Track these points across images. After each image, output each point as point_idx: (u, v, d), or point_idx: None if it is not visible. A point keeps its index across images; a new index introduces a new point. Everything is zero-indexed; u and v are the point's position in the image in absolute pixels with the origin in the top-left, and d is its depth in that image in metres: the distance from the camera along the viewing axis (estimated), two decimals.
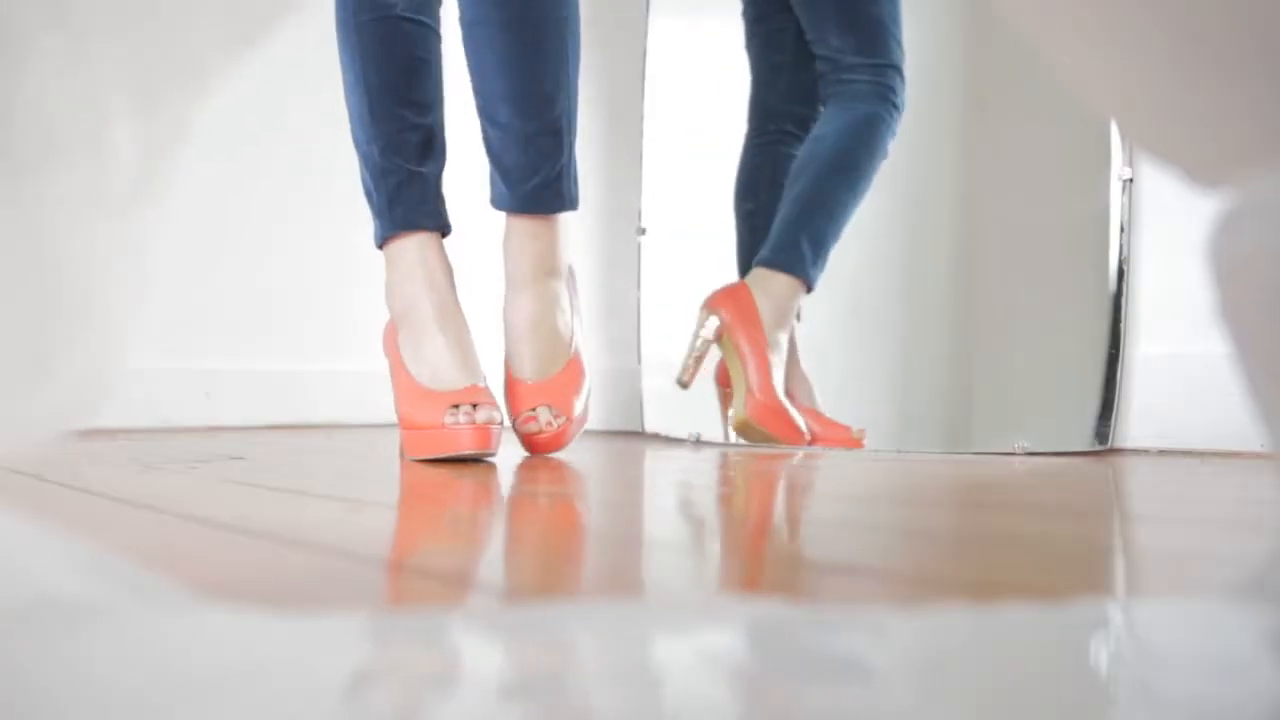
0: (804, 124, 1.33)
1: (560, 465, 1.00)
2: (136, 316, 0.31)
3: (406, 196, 1.00)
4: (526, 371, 1.02)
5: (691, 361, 1.27)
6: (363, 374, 1.29)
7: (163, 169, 0.30)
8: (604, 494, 0.78)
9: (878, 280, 1.34)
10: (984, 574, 0.41)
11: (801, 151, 1.28)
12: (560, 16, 1.04)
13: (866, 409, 1.31)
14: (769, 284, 1.22)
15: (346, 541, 0.51)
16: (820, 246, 1.23)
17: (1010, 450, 1.11)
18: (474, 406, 0.92)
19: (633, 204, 1.55)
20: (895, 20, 1.26)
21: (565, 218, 1.08)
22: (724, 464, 1.01)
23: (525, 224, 1.05)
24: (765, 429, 1.20)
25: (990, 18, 1.27)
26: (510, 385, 1.03)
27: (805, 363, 1.34)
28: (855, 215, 1.36)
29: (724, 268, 1.51)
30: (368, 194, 1.02)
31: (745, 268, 1.30)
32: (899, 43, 1.27)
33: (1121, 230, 1.12)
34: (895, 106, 1.26)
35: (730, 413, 1.25)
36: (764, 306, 1.22)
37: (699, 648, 0.27)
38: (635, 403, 1.50)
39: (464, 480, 0.79)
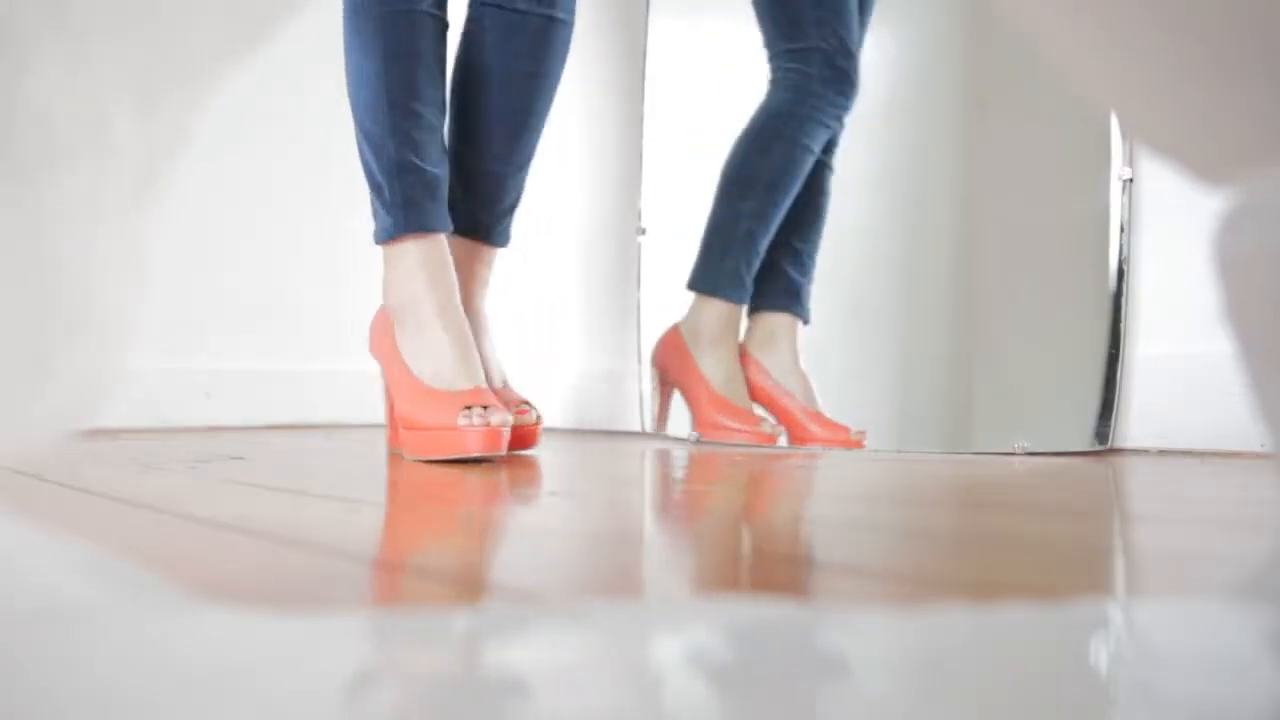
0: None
1: (560, 466, 1.00)
2: (136, 316, 0.31)
3: (422, 197, 0.99)
4: (496, 381, 1.06)
5: (658, 412, 1.37)
6: (363, 374, 1.29)
7: (163, 169, 0.31)
8: (604, 494, 0.78)
9: (878, 280, 1.34)
10: (984, 574, 0.41)
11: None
12: (561, 72, 1.10)
13: (866, 409, 1.31)
14: (700, 311, 1.32)
15: (346, 541, 0.51)
16: (747, 262, 1.30)
17: (1010, 450, 1.11)
18: (484, 408, 0.92)
19: (633, 204, 1.55)
20: (817, 1, 1.27)
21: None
22: (724, 465, 1.01)
23: (486, 252, 1.09)
24: (724, 439, 1.26)
25: (990, 18, 1.27)
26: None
27: (805, 362, 1.34)
28: (854, 215, 1.36)
29: None
30: (376, 187, 1.01)
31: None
32: (823, 22, 1.26)
33: (1121, 230, 1.12)
34: (815, 90, 1.27)
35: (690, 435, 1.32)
36: (691, 335, 1.31)
37: (698, 647, 0.27)
38: (635, 403, 1.50)
39: (463, 480, 0.79)
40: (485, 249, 1.09)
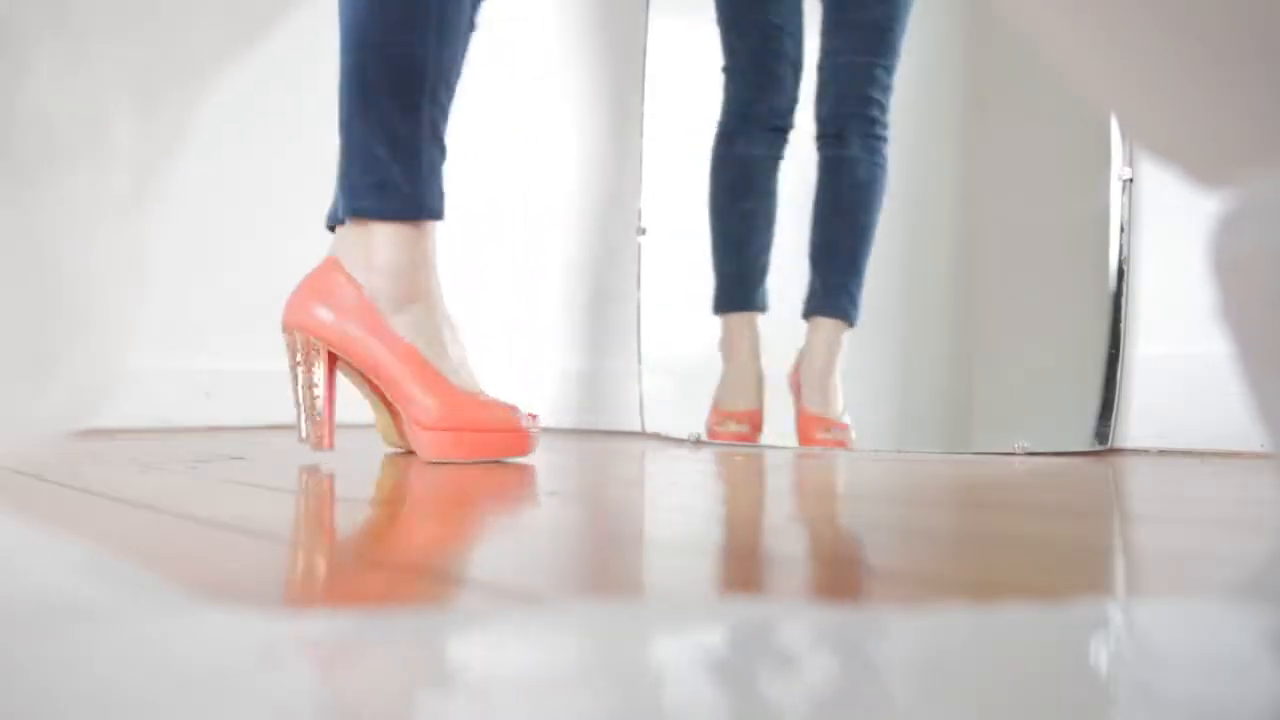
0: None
1: (560, 466, 1.00)
2: (136, 316, 0.31)
3: (438, 179, 0.96)
4: (471, 386, 1.02)
5: None
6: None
7: (163, 169, 0.31)
8: (604, 494, 0.78)
9: (878, 280, 1.34)
10: (984, 574, 0.41)
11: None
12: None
13: (866, 409, 1.31)
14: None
15: (346, 542, 0.51)
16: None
17: (1010, 450, 1.11)
18: (527, 413, 0.96)
19: (633, 204, 1.55)
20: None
21: None
22: (724, 465, 1.01)
23: (432, 228, 1.00)
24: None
25: (990, 18, 1.27)
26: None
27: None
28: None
29: None
30: (409, 159, 0.94)
31: None
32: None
33: (1121, 230, 1.12)
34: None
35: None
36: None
37: (697, 647, 0.27)
38: (635, 403, 1.51)
39: (463, 480, 0.79)
40: (432, 225, 1.00)
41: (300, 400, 0.97)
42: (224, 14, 0.30)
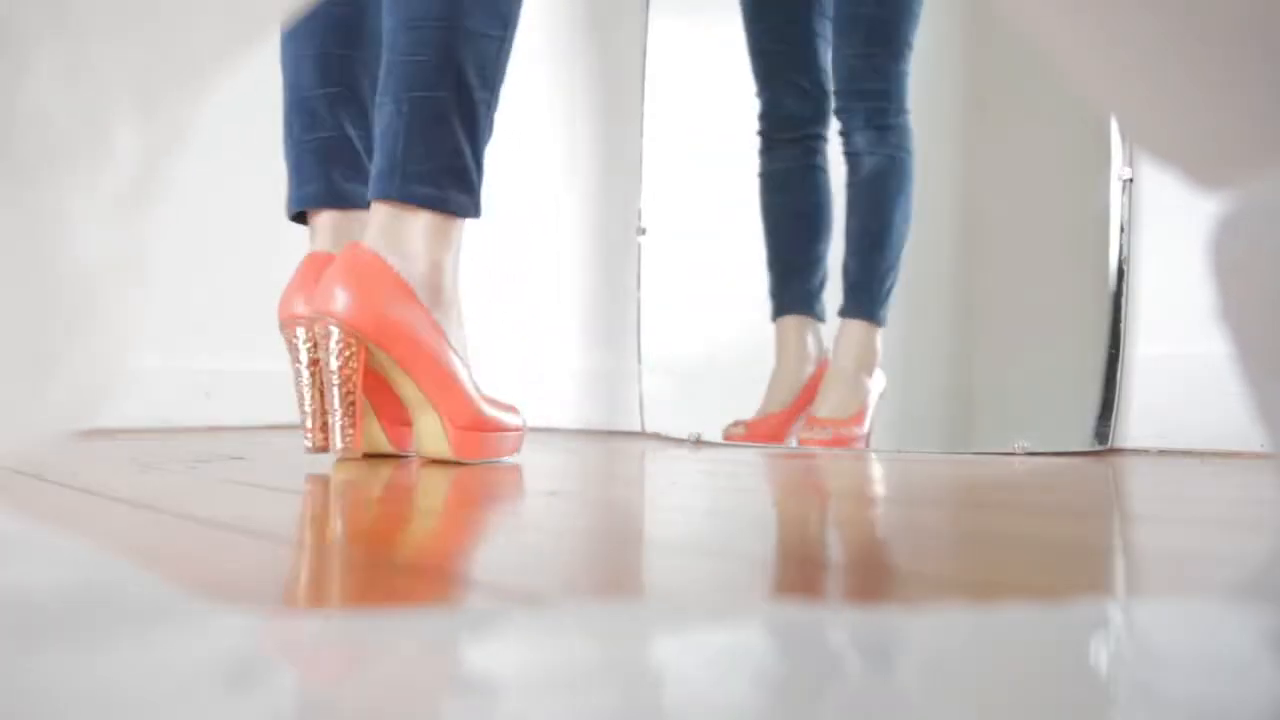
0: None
1: (560, 466, 1.00)
2: (137, 316, 0.31)
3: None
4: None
5: None
6: None
7: (163, 169, 0.31)
8: (604, 494, 0.78)
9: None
10: (984, 574, 0.41)
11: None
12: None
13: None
14: None
15: (347, 542, 0.51)
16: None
17: (1010, 450, 1.11)
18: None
19: (633, 204, 1.55)
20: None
21: None
22: (723, 465, 1.01)
23: None
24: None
25: (990, 18, 1.27)
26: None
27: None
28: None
29: (724, 267, 1.51)
30: (479, 154, 0.91)
31: None
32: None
33: (1121, 230, 1.12)
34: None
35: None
36: None
37: (697, 648, 0.27)
38: (635, 403, 1.51)
39: (462, 480, 0.79)
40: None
41: (309, 404, 0.92)
42: (224, 14, 0.30)
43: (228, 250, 1.65)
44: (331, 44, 0.97)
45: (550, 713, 0.22)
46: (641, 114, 1.54)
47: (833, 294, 1.35)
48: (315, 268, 0.94)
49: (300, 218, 1.01)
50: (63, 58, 0.27)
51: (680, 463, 1.03)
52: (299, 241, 1.01)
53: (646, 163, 1.54)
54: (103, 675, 0.23)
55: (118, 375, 0.32)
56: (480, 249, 1.18)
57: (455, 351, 0.91)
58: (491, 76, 0.91)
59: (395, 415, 0.98)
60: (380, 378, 0.95)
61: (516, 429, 0.95)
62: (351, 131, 0.98)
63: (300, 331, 0.93)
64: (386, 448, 0.98)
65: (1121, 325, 1.11)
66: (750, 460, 1.06)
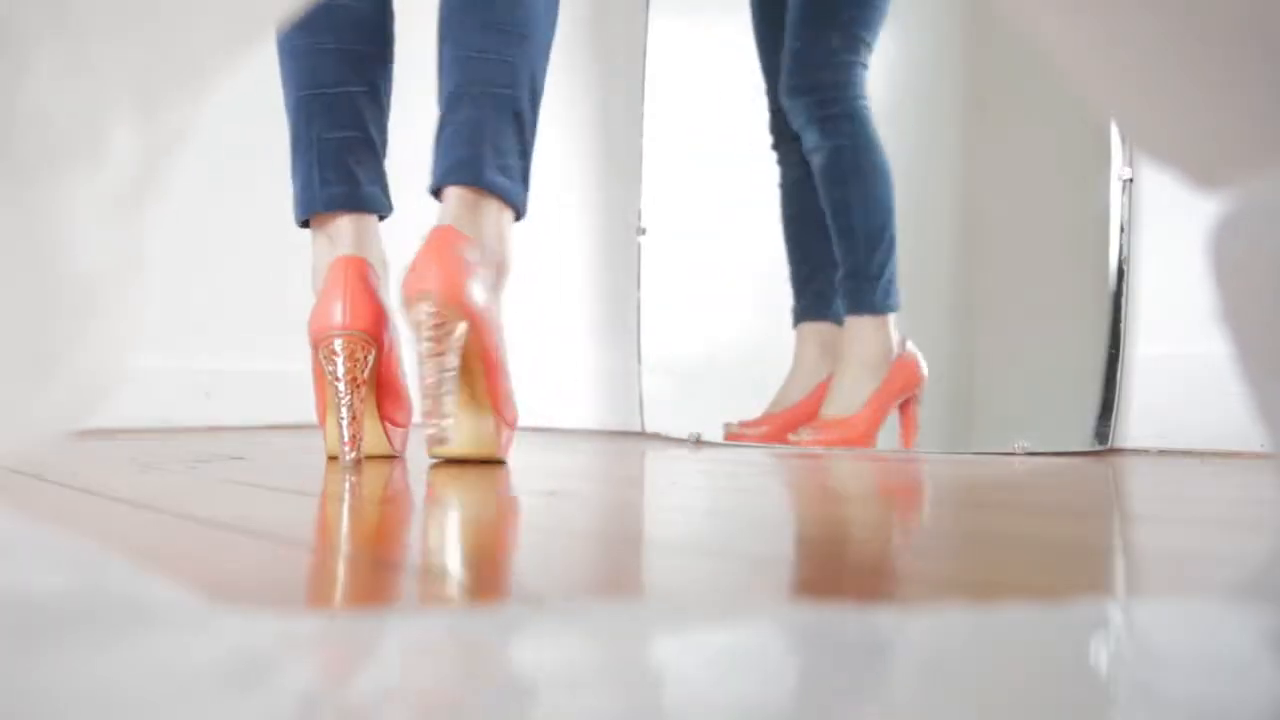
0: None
1: (560, 466, 1.00)
2: (137, 316, 0.31)
3: None
4: None
5: None
6: None
7: (163, 169, 0.31)
8: (604, 493, 0.78)
9: None
10: (984, 574, 0.41)
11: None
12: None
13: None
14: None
15: (347, 541, 0.51)
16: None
17: (1010, 450, 1.11)
18: None
19: (633, 204, 1.56)
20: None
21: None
22: (723, 465, 1.01)
23: None
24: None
25: (990, 18, 1.27)
26: None
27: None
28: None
29: (724, 267, 1.51)
30: (530, 154, 0.93)
31: None
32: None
33: (1121, 230, 1.12)
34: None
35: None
36: None
37: (697, 648, 0.27)
38: (635, 403, 1.51)
39: (461, 480, 0.79)
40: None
41: (346, 416, 0.88)
42: (224, 14, 0.30)
43: (228, 250, 1.65)
44: (354, 40, 0.94)
45: (551, 712, 0.22)
46: (641, 114, 1.54)
47: None
48: (351, 274, 0.90)
49: (306, 221, 0.96)
50: (63, 58, 0.27)
51: (680, 463, 1.03)
52: (299, 241, 1.00)
53: (646, 163, 1.54)
54: (103, 675, 0.23)
55: (118, 375, 0.32)
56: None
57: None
58: (544, 87, 0.94)
59: (393, 416, 0.98)
60: (384, 377, 0.96)
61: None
62: (374, 133, 0.96)
63: (338, 344, 0.89)
64: (386, 449, 0.98)
65: (1121, 325, 1.11)
66: (750, 460, 1.06)
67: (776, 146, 1.40)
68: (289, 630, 0.28)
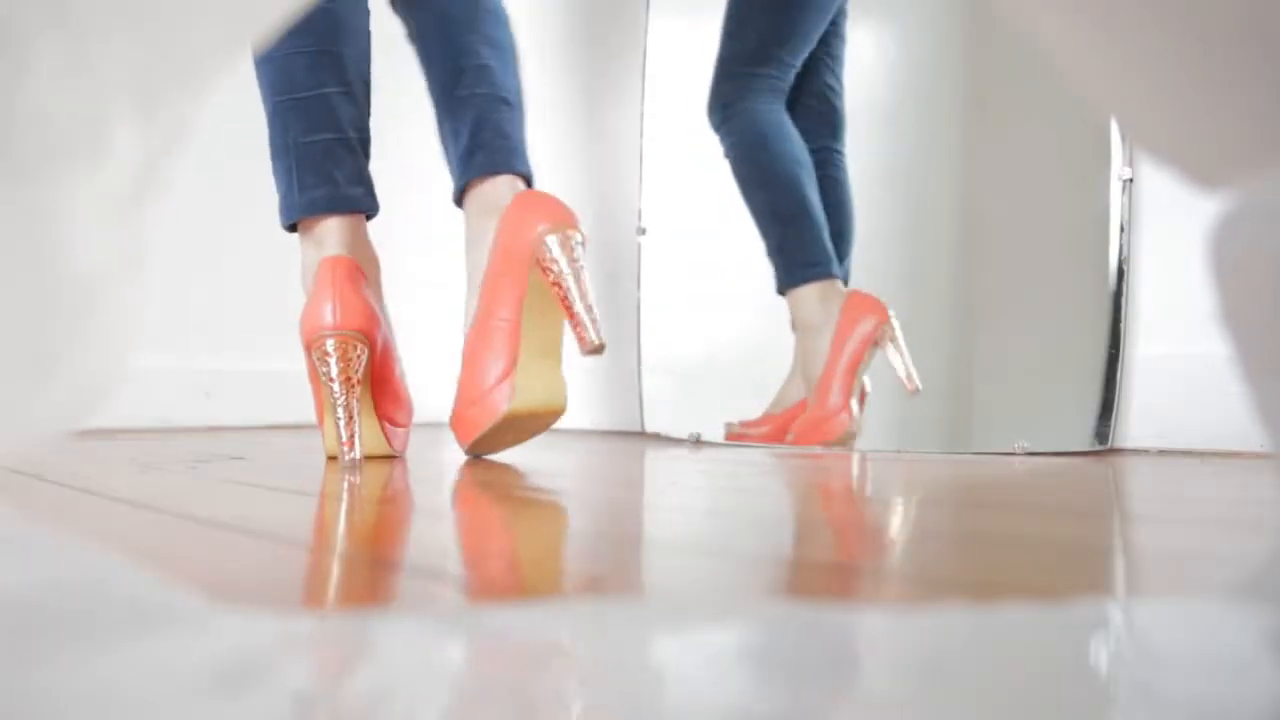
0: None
1: (560, 466, 1.00)
2: (137, 316, 0.31)
3: None
4: None
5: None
6: None
7: (163, 169, 0.31)
8: (604, 493, 0.78)
9: (877, 280, 1.34)
10: (984, 574, 0.41)
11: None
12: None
13: (867, 409, 1.31)
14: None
15: (346, 541, 0.51)
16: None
17: (1010, 450, 1.11)
18: None
19: (633, 204, 1.55)
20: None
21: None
22: (723, 465, 1.01)
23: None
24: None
25: (990, 18, 1.27)
26: None
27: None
28: (855, 214, 1.37)
29: (724, 267, 1.51)
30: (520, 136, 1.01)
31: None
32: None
33: (1121, 230, 1.12)
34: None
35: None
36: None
37: (696, 648, 0.27)
38: (635, 403, 1.50)
39: (461, 479, 0.79)
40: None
41: (342, 415, 0.89)
42: (224, 14, 0.30)
43: (228, 250, 1.65)
44: (330, 41, 0.95)
45: (551, 712, 0.22)
46: (641, 114, 1.54)
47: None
48: (339, 273, 0.91)
49: (293, 225, 0.97)
50: (62, 57, 0.27)
51: (680, 463, 1.03)
52: (298, 241, 1.00)
53: (646, 163, 1.54)
54: (103, 675, 0.23)
55: (118, 375, 0.32)
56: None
57: None
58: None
59: (393, 416, 0.98)
60: (382, 376, 0.96)
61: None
62: (352, 133, 0.97)
63: (330, 344, 0.89)
64: (385, 449, 0.98)
65: (1121, 325, 1.11)
66: (750, 460, 1.06)
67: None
68: (289, 630, 0.28)
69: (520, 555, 0.48)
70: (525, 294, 0.93)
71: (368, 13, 1.00)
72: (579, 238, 0.94)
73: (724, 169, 1.41)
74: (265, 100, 0.96)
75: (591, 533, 0.55)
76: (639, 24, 1.55)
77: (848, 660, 0.26)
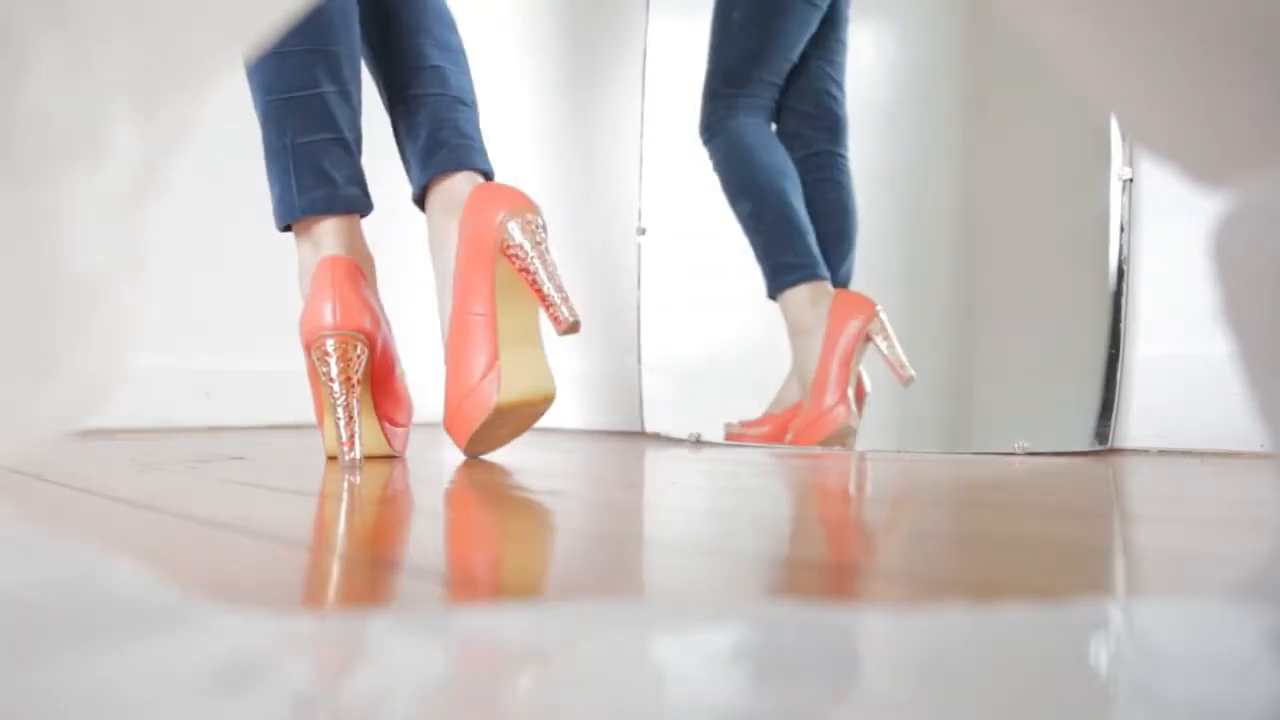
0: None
1: (560, 466, 1.00)
2: (137, 316, 0.31)
3: None
4: None
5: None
6: None
7: (163, 169, 0.31)
8: (604, 493, 0.78)
9: (877, 280, 1.34)
10: (984, 574, 0.41)
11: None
12: None
13: (867, 409, 1.31)
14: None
15: (346, 542, 0.51)
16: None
17: (1010, 450, 1.11)
18: None
19: (633, 204, 1.55)
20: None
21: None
22: (723, 465, 1.01)
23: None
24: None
25: (990, 18, 1.27)
26: None
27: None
28: (857, 214, 1.37)
29: (724, 267, 1.51)
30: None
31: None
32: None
33: (1121, 230, 1.12)
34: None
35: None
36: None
37: (696, 648, 0.27)
38: (635, 403, 1.51)
39: (461, 479, 0.79)
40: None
41: (342, 415, 0.89)
42: (224, 14, 0.30)
43: (228, 250, 1.65)
44: (322, 40, 0.94)
45: (550, 712, 0.22)
46: (641, 114, 1.54)
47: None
48: (339, 273, 0.91)
49: (288, 226, 0.96)
50: (63, 57, 0.27)
51: (680, 463, 1.03)
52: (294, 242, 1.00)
53: (646, 163, 1.54)
54: (103, 675, 0.23)
55: (118, 375, 0.32)
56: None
57: None
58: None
59: (393, 416, 0.98)
60: (382, 376, 0.96)
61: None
62: (347, 133, 0.97)
63: (330, 344, 0.89)
64: (385, 449, 0.98)
65: (1121, 325, 1.11)
66: (750, 460, 1.06)
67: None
68: (289, 630, 0.28)
69: (519, 555, 0.48)
70: (496, 284, 0.92)
71: (357, 13, 1.00)
72: (540, 221, 0.94)
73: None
74: (257, 100, 0.96)
75: (591, 533, 0.55)
76: (639, 24, 1.55)
77: (848, 660, 0.26)
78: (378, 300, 0.96)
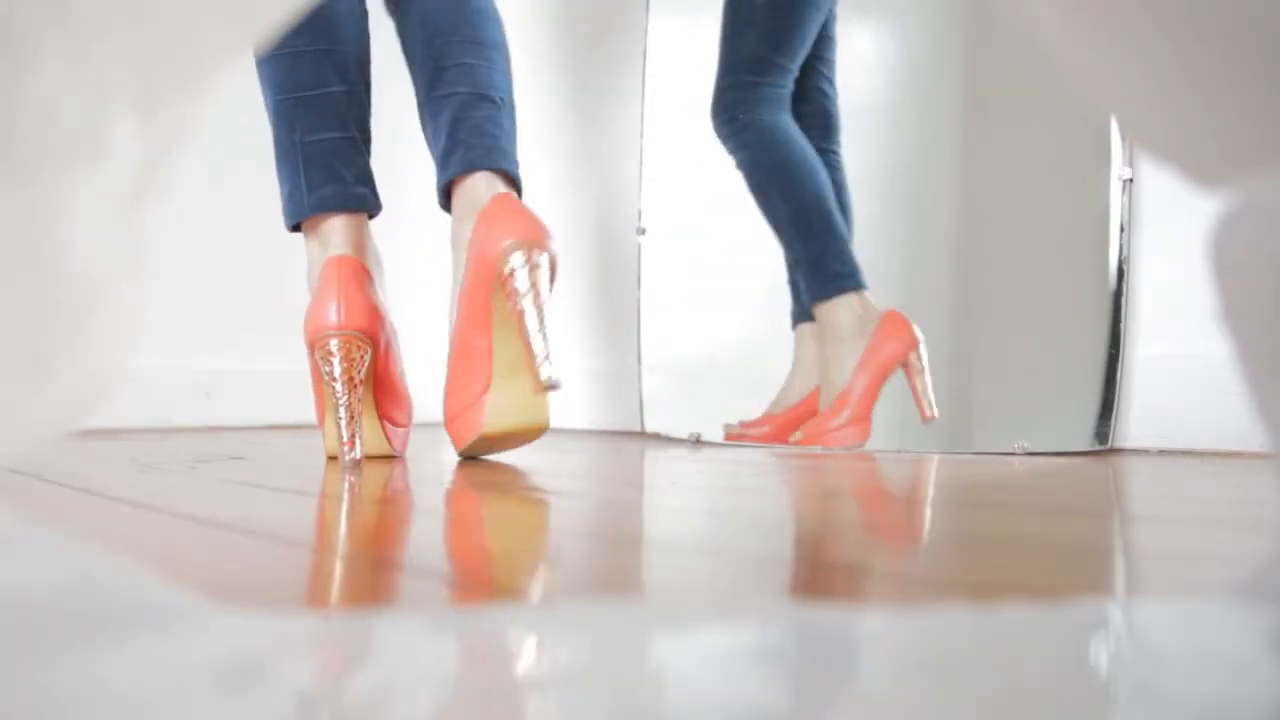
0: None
1: (560, 466, 1.00)
2: (137, 316, 0.31)
3: None
4: None
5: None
6: None
7: (163, 169, 0.31)
8: (604, 493, 0.78)
9: (877, 280, 1.34)
10: (984, 574, 0.41)
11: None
12: None
13: None
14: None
15: (347, 541, 0.51)
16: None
17: (1010, 450, 1.11)
18: None
19: (633, 204, 1.55)
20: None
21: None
22: (723, 465, 1.01)
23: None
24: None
25: (990, 18, 1.27)
26: None
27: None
28: (853, 215, 1.37)
29: (724, 267, 1.51)
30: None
31: None
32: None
33: (1121, 230, 1.12)
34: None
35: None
36: None
37: (696, 648, 0.27)
38: (635, 403, 1.50)
39: (461, 479, 0.79)
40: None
41: (344, 415, 0.89)
42: (224, 14, 0.30)
43: (228, 250, 1.65)
44: (332, 40, 0.95)
45: (550, 712, 0.22)
46: (641, 114, 1.54)
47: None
48: (345, 273, 0.91)
49: (297, 225, 0.96)
50: (63, 57, 0.27)
51: (680, 463, 1.03)
52: (299, 241, 1.00)
53: (646, 163, 1.54)
54: (103, 675, 0.23)
55: (118, 375, 0.32)
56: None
57: None
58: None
59: (393, 416, 0.98)
60: (383, 376, 0.96)
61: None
62: (357, 132, 0.97)
63: (334, 344, 0.89)
64: (385, 449, 0.98)
65: (1121, 325, 1.11)
66: (750, 460, 1.06)
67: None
68: (289, 630, 0.28)
69: (519, 555, 0.48)
70: (493, 319, 0.90)
71: (366, 13, 1.00)
72: (545, 258, 0.89)
73: (724, 170, 1.41)
74: (268, 99, 0.96)
75: (592, 533, 0.55)
76: (639, 24, 1.55)
77: (848, 660, 0.26)
78: (383, 301, 0.96)
